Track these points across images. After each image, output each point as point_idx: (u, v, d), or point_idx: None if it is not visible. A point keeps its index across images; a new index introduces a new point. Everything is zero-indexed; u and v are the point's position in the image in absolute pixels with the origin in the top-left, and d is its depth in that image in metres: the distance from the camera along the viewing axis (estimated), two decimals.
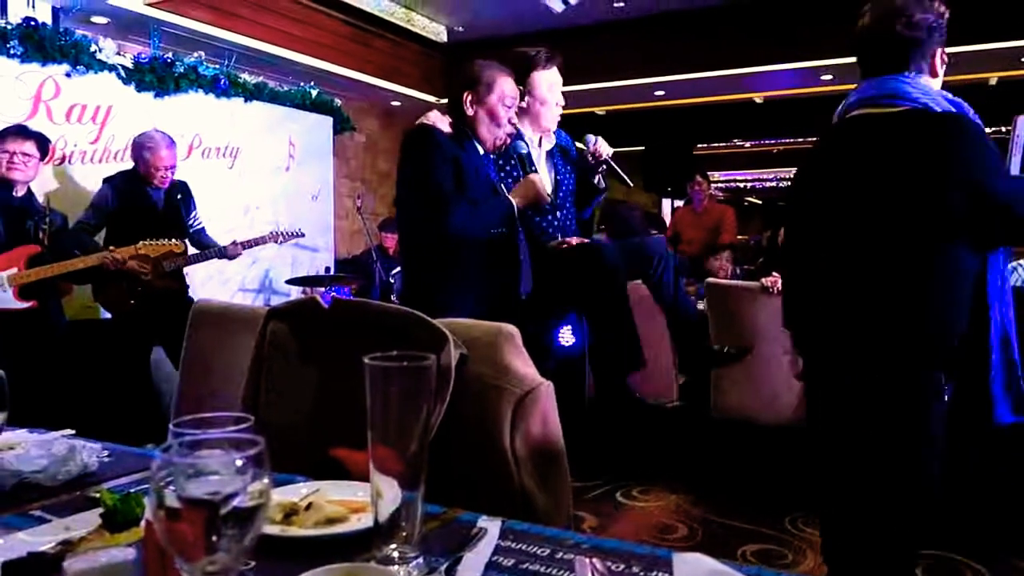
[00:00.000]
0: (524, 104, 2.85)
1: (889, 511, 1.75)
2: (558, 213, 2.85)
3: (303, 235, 4.41)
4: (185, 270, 3.99)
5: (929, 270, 1.66)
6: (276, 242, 4.17)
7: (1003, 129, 1.82)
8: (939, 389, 1.71)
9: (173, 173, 3.87)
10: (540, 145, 2.92)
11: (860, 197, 1.73)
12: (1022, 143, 1.53)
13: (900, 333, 1.69)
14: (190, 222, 3.99)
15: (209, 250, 3.99)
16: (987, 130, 1.70)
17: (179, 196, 3.93)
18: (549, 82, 2.85)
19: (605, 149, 2.86)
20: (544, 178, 2.87)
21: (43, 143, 3.50)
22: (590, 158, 2.90)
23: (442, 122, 2.51)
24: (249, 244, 4.03)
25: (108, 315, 3.88)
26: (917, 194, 1.63)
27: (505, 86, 2.49)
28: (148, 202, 3.81)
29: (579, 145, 3.03)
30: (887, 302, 1.69)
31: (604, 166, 2.90)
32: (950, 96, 1.73)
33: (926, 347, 1.69)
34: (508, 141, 2.57)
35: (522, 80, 2.85)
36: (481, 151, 2.52)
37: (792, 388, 3.25)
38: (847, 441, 1.82)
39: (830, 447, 1.88)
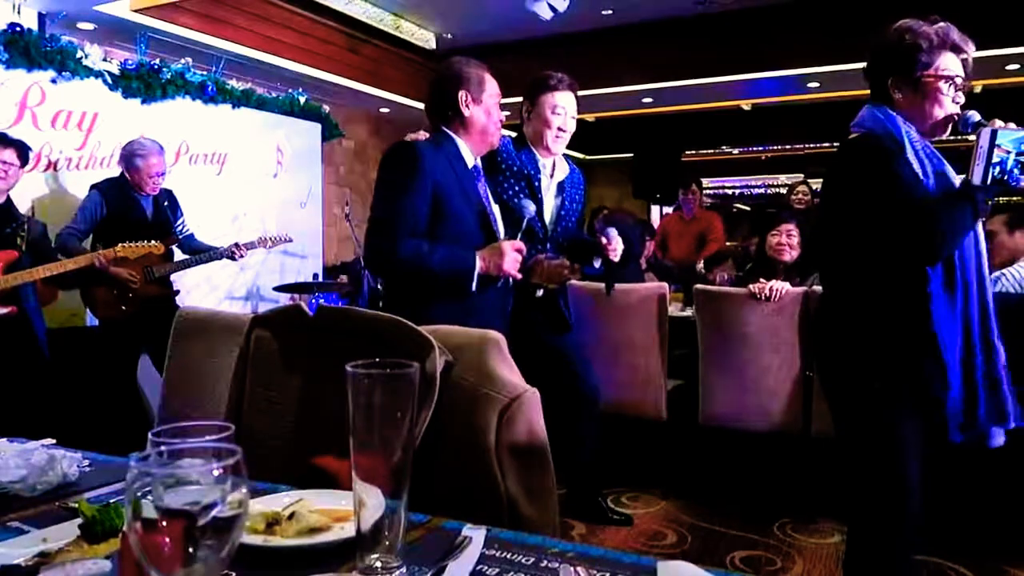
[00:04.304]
0: (527, 120, 2.88)
1: (869, 519, 1.81)
2: (547, 244, 2.83)
3: (291, 240, 4.40)
4: (173, 277, 3.97)
5: (865, 286, 1.81)
6: (264, 247, 4.16)
7: None
8: (894, 398, 1.76)
9: (163, 180, 3.87)
10: (552, 176, 2.90)
11: (826, 219, 1.96)
12: (984, 154, 1.55)
13: (845, 346, 1.84)
14: (178, 228, 3.98)
15: (206, 253, 3.96)
16: (971, 138, 1.71)
17: (166, 203, 3.92)
18: (553, 104, 2.81)
19: (617, 245, 2.76)
20: (548, 206, 2.87)
21: (23, 151, 3.46)
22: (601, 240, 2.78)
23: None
24: (251, 246, 4.02)
25: (94, 322, 3.85)
26: (842, 215, 1.84)
27: (493, 83, 2.39)
28: (138, 209, 3.81)
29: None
30: (838, 316, 1.88)
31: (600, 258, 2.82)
32: (880, 117, 1.80)
33: (867, 359, 1.80)
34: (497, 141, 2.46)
35: (532, 98, 2.86)
36: (470, 163, 2.34)
37: (780, 394, 3.26)
38: (839, 452, 1.94)
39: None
